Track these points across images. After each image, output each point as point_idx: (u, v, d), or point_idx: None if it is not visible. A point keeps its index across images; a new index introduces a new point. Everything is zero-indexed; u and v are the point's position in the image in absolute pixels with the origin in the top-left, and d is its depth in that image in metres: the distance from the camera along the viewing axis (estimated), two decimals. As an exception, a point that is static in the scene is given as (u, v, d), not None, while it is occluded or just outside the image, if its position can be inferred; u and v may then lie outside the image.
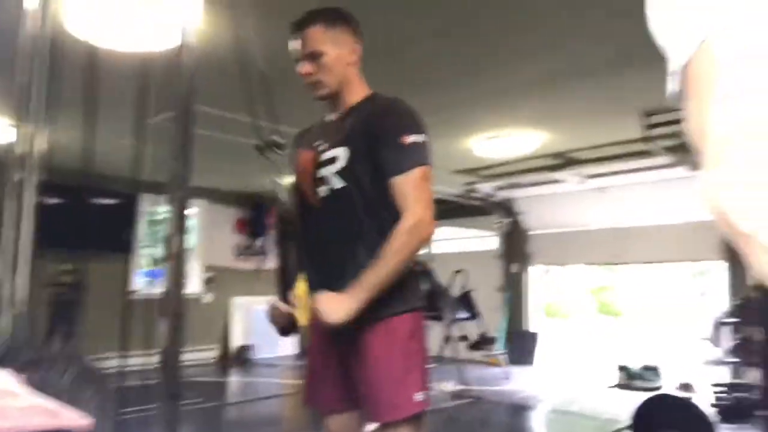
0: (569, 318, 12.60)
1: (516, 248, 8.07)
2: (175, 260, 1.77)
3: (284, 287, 1.67)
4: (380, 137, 1.50)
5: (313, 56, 1.55)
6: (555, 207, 7.58)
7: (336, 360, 1.59)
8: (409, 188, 1.48)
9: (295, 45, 1.58)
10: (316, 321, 1.64)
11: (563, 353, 7.97)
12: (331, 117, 1.65)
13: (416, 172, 1.48)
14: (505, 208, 8.02)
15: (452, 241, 8.52)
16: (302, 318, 1.70)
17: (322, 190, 1.57)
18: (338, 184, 1.54)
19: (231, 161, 5.95)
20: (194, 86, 1.72)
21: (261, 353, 7.96)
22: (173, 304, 1.72)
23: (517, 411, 5.18)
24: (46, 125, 1.82)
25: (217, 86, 3.33)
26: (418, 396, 1.49)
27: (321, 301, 1.48)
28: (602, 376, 6.31)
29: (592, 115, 4.82)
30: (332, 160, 1.56)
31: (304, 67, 1.57)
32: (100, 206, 6.72)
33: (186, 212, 1.81)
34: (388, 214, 1.49)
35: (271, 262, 8.33)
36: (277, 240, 1.73)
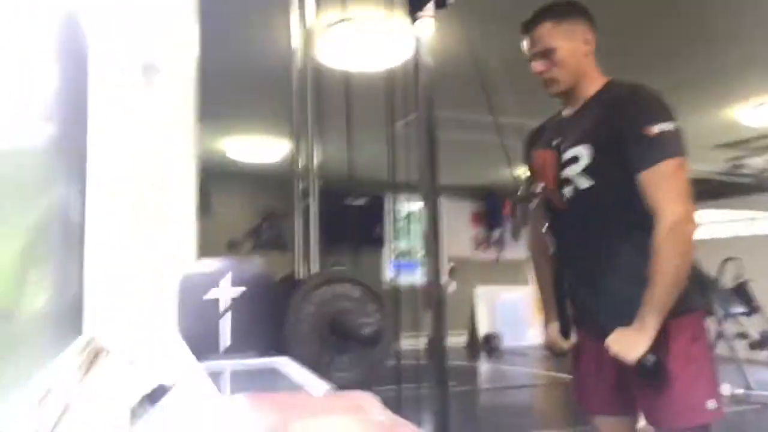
0: None
1: (805, 230, 6.74)
2: (432, 255, 1.92)
3: (554, 314, 1.63)
4: (623, 130, 1.40)
5: (545, 53, 1.51)
6: None
7: (609, 363, 1.49)
8: (658, 185, 1.34)
9: (526, 45, 1.56)
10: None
11: None
12: (569, 112, 1.59)
13: (665, 166, 1.34)
14: (787, 183, 6.75)
15: (719, 224, 7.45)
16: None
17: (568, 192, 1.51)
18: (584, 183, 1.47)
19: (463, 157, 6.12)
20: (432, 93, 1.84)
21: (508, 341, 8.14)
22: (435, 295, 1.86)
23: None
24: (319, 142, 2.14)
25: (449, 90, 3.48)
26: (710, 404, 1.38)
27: (614, 342, 1.40)
28: None
29: None
30: (575, 159, 1.49)
31: (537, 66, 1.53)
32: (357, 206, 7.54)
33: (438, 210, 1.93)
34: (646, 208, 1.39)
35: (509, 253, 8.36)
36: (534, 264, 1.76)
